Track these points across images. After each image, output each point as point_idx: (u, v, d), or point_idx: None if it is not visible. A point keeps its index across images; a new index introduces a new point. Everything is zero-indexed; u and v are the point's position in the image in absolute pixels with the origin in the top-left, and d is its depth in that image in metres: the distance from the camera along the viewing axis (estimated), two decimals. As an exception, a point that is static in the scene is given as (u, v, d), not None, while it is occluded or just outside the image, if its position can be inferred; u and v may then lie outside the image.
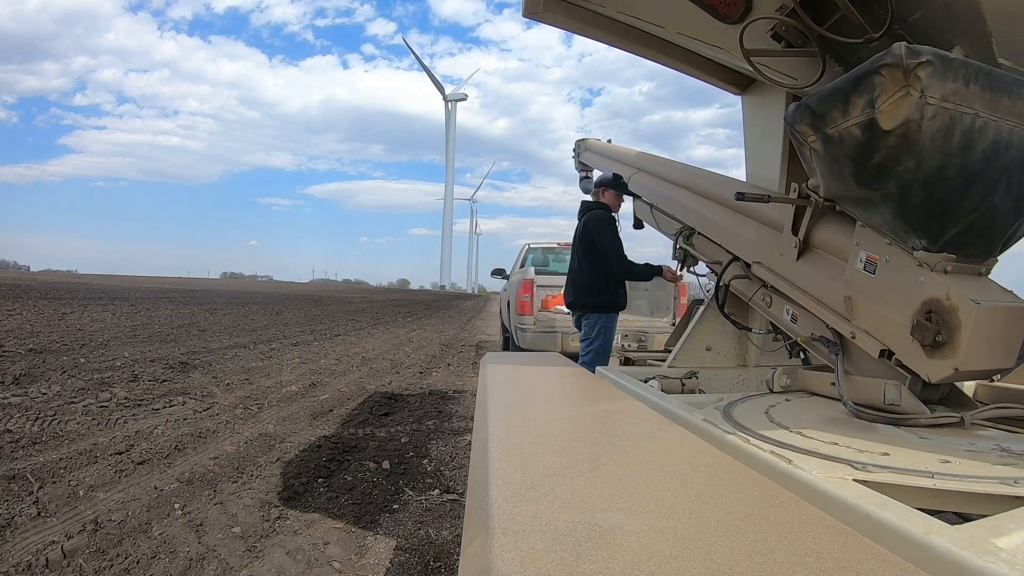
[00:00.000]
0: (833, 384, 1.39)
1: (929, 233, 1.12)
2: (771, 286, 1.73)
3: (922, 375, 1.16)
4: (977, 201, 1.08)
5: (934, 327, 1.10)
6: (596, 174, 4.01)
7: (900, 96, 1.00)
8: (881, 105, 1.02)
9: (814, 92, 1.20)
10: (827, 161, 1.19)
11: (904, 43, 0.99)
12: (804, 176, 1.47)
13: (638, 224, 3.42)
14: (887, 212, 1.15)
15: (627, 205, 3.94)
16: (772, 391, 1.56)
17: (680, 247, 2.51)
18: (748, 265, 1.84)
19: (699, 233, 2.34)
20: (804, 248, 1.53)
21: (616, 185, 3.95)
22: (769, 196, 1.56)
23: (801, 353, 1.86)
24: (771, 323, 2.11)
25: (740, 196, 1.58)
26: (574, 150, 4.23)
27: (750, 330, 2.11)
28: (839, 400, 1.33)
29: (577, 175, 4.29)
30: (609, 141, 3.82)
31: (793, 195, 1.51)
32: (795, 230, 1.54)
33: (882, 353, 1.24)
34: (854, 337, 1.31)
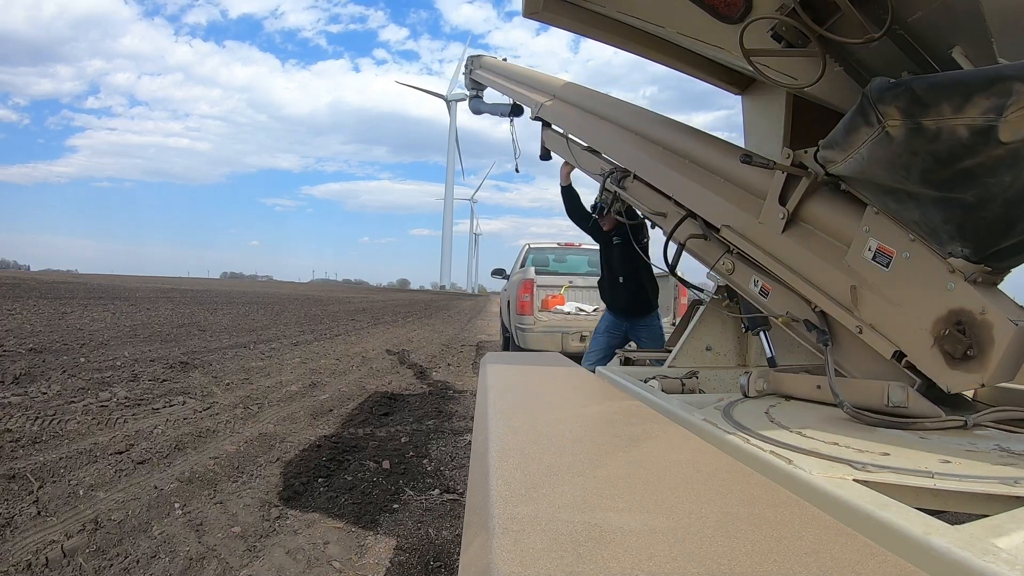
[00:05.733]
0: (819, 388, 1.31)
1: (979, 245, 1.08)
2: (736, 251, 1.64)
3: (940, 384, 1.13)
4: None
5: (967, 340, 1.07)
6: (495, 95, 3.73)
7: None
8: (1009, 115, 0.93)
9: (919, 76, 1.09)
10: (897, 149, 1.06)
11: None
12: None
13: (545, 155, 3.23)
14: (936, 215, 1.09)
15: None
16: (747, 396, 1.43)
17: (608, 189, 2.34)
18: (708, 224, 1.73)
19: (636, 177, 2.18)
20: (789, 221, 1.45)
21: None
22: (773, 162, 1.48)
23: (761, 333, 1.75)
24: (726, 289, 2.01)
25: (747, 159, 1.49)
26: (466, 67, 3.92)
27: (702, 291, 2.07)
28: (823, 403, 1.28)
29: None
30: (504, 60, 3.59)
31: (787, 162, 1.42)
32: (783, 200, 1.45)
33: (894, 355, 1.20)
34: (860, 332, 1.26)
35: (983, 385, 1.08)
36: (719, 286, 2.10)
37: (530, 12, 2.09)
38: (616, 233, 3.74)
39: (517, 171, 3.95)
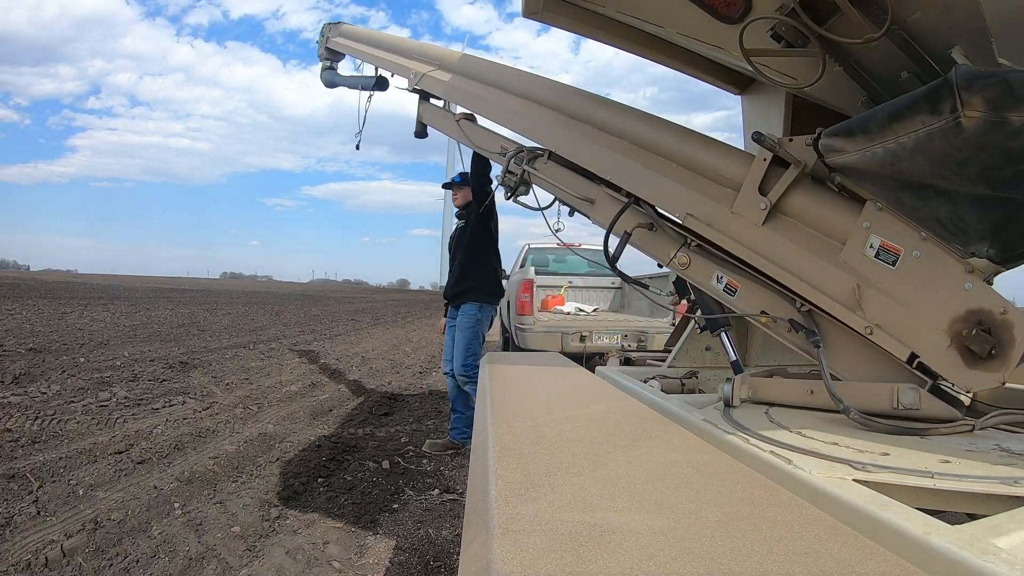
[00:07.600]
0: (813, 392, 1.27)
1: (1010, 246, 1.07)
2: (695, 244, 1.55)
3: (959, 384, 1.12)
4: None
5: (992, 340, 1.06)
6: (365, 67, 3.40)
7: None
8: None
9: (1013, 68, 1.05)
10: (961, 142, 0.99)
11: None
12: None
13: (421, 132, 2.94)
14: (972, 213, 1.06)
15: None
16: (730, 405, 1.34)
17: (515, 170, 2.09)
18: (658, 213, 1.62)
19: (552, 157, 1.95)
20: (770, 213, 1.39)
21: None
22: (779, 144, 1.40)
23: (722, 334, 1.62)
24: (675, 283, 1.92)
25: (759, 137, 1.40)
26: (320, 34, 3.62)
27: (647, 287, 1.94)
28: (815, 408, 1.26)
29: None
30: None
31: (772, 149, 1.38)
32: (763, 190, 1.39)
33: (909, 357, 1.17)
34: (871, 332, 1.21)
35: (1003, 383, 1.07)
36: (675, 283, 2.01)
37: (530, 12, 2.09)
38: (463, 215, 3.55)
39: (358, 148, 3.66)
